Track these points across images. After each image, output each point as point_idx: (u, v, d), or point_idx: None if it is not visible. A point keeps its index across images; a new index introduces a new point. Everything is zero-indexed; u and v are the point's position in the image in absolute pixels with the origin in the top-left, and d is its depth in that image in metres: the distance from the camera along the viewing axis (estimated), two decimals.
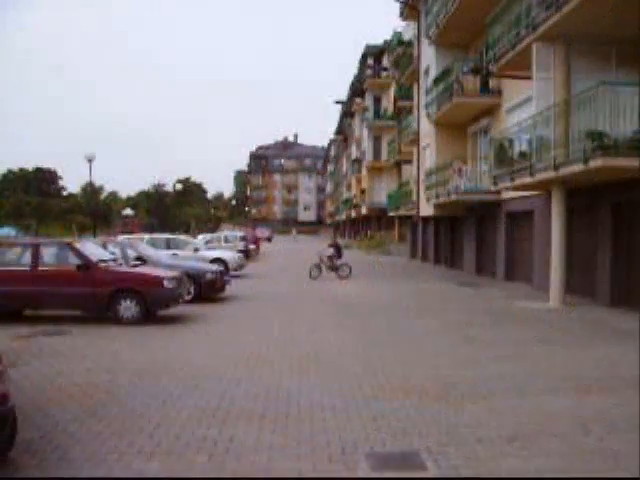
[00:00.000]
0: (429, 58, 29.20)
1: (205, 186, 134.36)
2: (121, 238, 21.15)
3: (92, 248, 13.36)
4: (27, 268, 12.34)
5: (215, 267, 17.23)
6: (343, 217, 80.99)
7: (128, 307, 12.22)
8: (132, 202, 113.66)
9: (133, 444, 5.53)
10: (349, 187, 74.39)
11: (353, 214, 67.88)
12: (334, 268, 23.90)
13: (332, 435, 5.79)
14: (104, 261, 12.77)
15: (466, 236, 27.49)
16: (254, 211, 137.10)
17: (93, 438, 5.67)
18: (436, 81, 26.36)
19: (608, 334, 11.41)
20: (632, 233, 14.95)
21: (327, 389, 7.43)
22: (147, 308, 12.36)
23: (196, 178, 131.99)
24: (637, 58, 15.21)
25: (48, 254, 12.66)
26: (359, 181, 63.41)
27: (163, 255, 17.77)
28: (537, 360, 9.24)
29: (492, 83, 23.80)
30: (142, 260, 15.48)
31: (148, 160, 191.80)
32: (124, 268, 13.11)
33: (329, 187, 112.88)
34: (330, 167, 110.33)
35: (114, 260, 13.40)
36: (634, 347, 9.81)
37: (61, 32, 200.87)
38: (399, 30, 43.31)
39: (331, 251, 24.59)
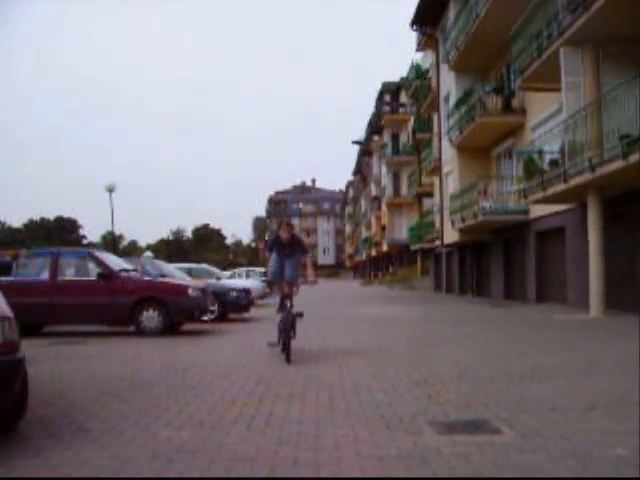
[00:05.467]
0: (449, 84, 28.91)
1: (223, 232, 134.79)
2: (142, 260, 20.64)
3: (113, 258, 12.87)
4: (45, 279, 11.85)
5: (240, 285, 16.65)
6: (363, 257, 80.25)
7: (151, 317, 11.60)
8: (152, 249, 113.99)
9: (159, 418, 4.89)
10: (368, 226, 73.90)
11: (373, 252, 67.17)
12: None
13: (385, 409, 5.11)
14: (125, 270, 12.25)
15: (493, 261, 26.71)
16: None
17: (114, 414, 5.04)
18: (458, 104, 25.99)
19: None
20: None
21: (373, 376, 6.73)
22: (171, 319, 11.75)
23: (214, 225, 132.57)
24: None
25: (67, 264, 12.17)
26: (379, 219, 62.94)
27: (186, 276, 17.24)
28: (590, 351, 8.56)
29: (515, 103, 23.39)
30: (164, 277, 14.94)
31: (167, 210, 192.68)
32: (146, 277, 12.57)
33: (348, 229, 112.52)
34: (348, 209, 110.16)
35: (135, 270, 12.88)
36: None
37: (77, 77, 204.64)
38: (416, 63, 43.24)
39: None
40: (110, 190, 30.16)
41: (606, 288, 15.06)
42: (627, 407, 5.01)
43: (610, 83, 14.52)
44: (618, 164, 12.73)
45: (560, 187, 15.63)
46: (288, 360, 7.82)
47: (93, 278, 11.75)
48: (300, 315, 8.54)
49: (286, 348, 8.04)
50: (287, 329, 8.12)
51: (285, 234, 8.67)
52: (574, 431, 4.27)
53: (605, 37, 14.86)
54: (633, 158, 12.20)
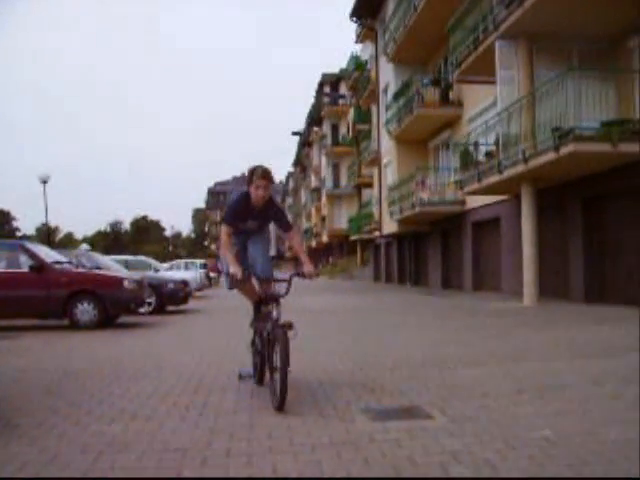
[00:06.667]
0: (388, 76, 29.14)
1: (163, 224, 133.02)
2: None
3: (46, 250, 12.52)
4: None
5: (178, 277, 16.46)
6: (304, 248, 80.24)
7: (85, 310, 11.34)
8: (89, 242, 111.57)
9: (91, 412, 4.78)
10: (309, 217, 74.00)
11: (314, 244, 67.31)
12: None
13: (320, 397, 5.15)
14: (59, 263, 11.93)
15: (431, 252, 27.15)
16: (213, 246, 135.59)
17: (44, 409, 4.90)
18: (396, 96, 26.23)
19: (587, 320, 11.00)
20: (603, 227, 14.70)
21: (308, 364, 6.75)
22: (106, 311, 11.50)
23: (153, 217, 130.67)
24: (598, 55, 15.16)
25: None
26: (319, 210, 63.09)
27: (122, 268, 16.91)
28: (522, 337, 8.80)
29: (452, 95, 23.76)
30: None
31: (104, 203, 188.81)
32: (81, 269, 12.28)
33: None
34: (289, 200, 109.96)
35: (70, 263, 12.56)
36: (611, 326, 9.47)
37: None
38: (355, 54, 43.38)
39: None
40: (44, 181, 29.21)
41: (539, 277, 15.49)
42: (554, 390, 5.17)
43: (543, 77, 14.91)
44: (550, 156, 13.09)
45: (494, 178, 15.97)
46: (279, 407, 4.62)
47: (25, 270, 11.40)
48: (290, 327, 5.03)
49: (261, 376, 5.55)
50: (265, 351, 5.24)
51: (260, 192, 5.14)
52: (503, 415, 4.38)
53: (539, 32, 15.22)
54: (564, 150, 12.57)
